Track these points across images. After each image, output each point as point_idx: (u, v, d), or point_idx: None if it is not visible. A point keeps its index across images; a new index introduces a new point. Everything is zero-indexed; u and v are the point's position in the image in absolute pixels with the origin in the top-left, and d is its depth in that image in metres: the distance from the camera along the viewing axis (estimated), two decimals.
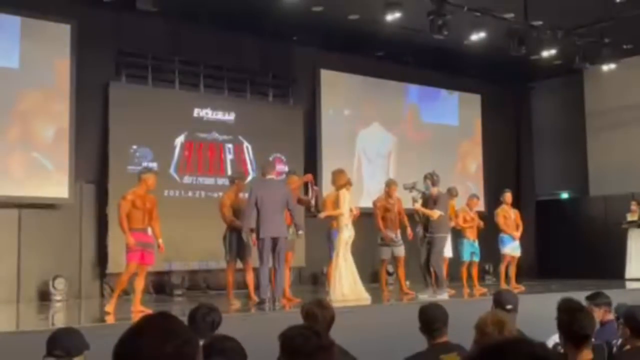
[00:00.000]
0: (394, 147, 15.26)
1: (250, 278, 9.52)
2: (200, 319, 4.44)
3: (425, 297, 9.67)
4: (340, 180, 9.70)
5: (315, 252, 12.52)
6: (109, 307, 8.23)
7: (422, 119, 15.80)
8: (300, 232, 9.67)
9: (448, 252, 11.35)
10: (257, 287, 9.20)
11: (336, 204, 9.61)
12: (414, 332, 4.75)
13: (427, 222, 10.26)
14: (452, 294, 10.49)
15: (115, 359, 1.58)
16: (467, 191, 12.55)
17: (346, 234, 9.52)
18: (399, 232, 11.01)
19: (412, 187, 10.43)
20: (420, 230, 10.54)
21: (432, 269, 10.09)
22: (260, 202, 8.85)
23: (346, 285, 9.33)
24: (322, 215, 9.82)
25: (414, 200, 10.31)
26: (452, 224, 11.32)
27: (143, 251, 8.35)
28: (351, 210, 9.72)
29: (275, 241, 8.89)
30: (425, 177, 10.34)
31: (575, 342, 3.77)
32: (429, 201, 10.23)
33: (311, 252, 12.81)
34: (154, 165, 11.79)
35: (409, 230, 11.05)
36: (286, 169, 13.09)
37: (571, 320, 3.78)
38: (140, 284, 8.48)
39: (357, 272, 9.57)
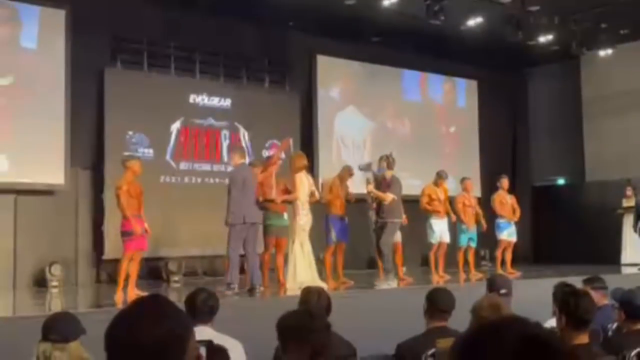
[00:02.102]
0: (388, 133, 15.22)
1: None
2: (201, 303, 4.45)
3: (384, 286, 9.45)
4: (298, 163, 9.45)
5: (311, 239, 12.48)
6: (118, 297, 8.36)
7: (417, 103, 15.77)
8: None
9: (446, 237, 11.36)
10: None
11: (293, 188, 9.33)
12: (409, 317, 4.76)
13: (379, 206, 9.91)
14: (408, 282, 10.31)
15: (107, 340, 1.57)
16: (459, 177, 12.49)
17: (303, 220, 9.22)
18: None
19: (367, 168, 10.12)
20: (372, 214, 10.17)
21: (383, 252, 9.83)
22: (242, 188, 8.73)
23: (302, 273, 9.08)
24: (278, 199, 9.46)
25: (368, 182, 9.99)
26: (440, 209, 11.26)
27: (141, 237, 8.56)
28: (313, 195, 9.43)
29: (248, 227, 8.77)
30: (381, 159, 10.05)
31: (576, 326, 3.79)
32: (382, 184, 9.90)
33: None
34: (149, 151, 11.78)
35: (403, 217, 10.99)
36: (282, 154, 13.08)
37: (576, 305, 3.80)
38: (135, 268, 8.66)
39: (313, 260, 9.34)
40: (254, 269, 8.81)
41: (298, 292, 8.37)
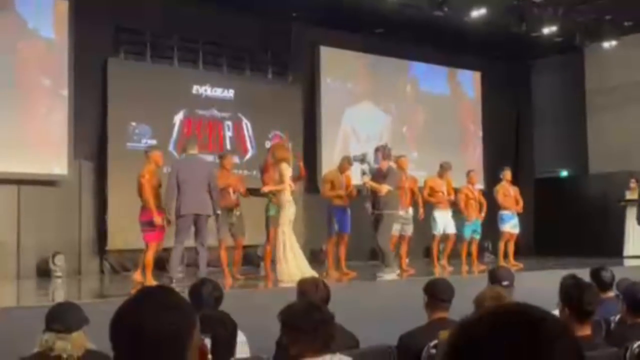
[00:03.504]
0: (392, 124, 15.22)
1: (237, 255, 9.57)
2: (207, 294, 4.47)
3: (385, 277, 9.31)
4: (282, 153, 9.30)
5: (314, 230, 12.51)
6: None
7: (421, 95, 15.75)
8: (218, 211, 8.91)
9: (451, 229, 11.37)
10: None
11: (280, 178, 9.15)
12: (411, 308, 4.76)
13: (375, 198, 9.68)
14: (410, 274, 10.25)
15: (112, 330, 1.58)
16: (463, 168, 12.48)
17: (290, 210, 9.10)
18: (410, 209, 10.90)
19: (361, 159, 9.91)
20: (368, 206, 9.88)
21: (380, 247, 9.64)
22: (182, 180, 8.49)
23: (293, 264, 8.90)
24: (264, 189, 9.32)
25: (363, 173, 9.80)
26: (443, 200, 11.27)
27: (161, 229, 8.65)
28: (290, 186, 9.24)
29: (196, 219, 8.56)
30: (377, 150, 9.85)
31: (579, 318, 3.80)
32: (378, 175, 9.67)
33: (310, 230, 12.80)
34: (153, 142, 11.77)
35: (420, 210, 10.97)
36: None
37: (579, 296, 3.81)
38: (152, 258, 8.75)
39: (300, 251, 9.19)
40: (200, 261, 8.60)
41: (293, 284, 8.44)
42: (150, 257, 8.61)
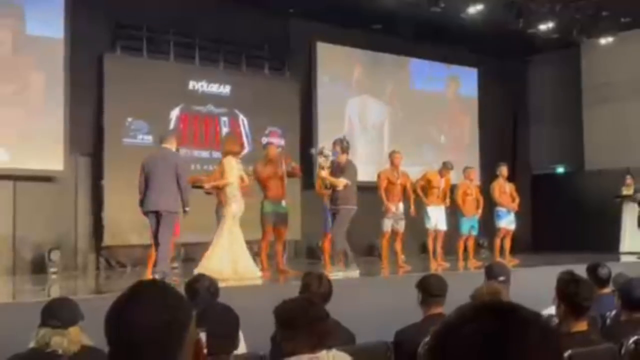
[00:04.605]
0: (388, 120, 15.22)
1: None
2: (204, 289, 4.48)
3: (339, 274, 8.85)
4: (228, 146, 9.00)
5: (310, 225, 12.51)
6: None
7: (418, 91, 15.74)
8: (187, 208, 8.35)
9: (442, 225, 11.36)
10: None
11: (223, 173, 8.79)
12: (408, 304, 4.77)
13: (333, 193, 9.36)
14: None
15: (108, 325, 1.57)
16: (460, 165, 12.48)
17: (234, 207, 8.69)
18: (401, 205, 10.90)
19: (319, 153, 9.68)
20: (327, 201, 9.63)
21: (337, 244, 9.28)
22: (147, 174, 8.21)
23: (215, 263, 8.35)
24: (207, 185, 9.03)
25: (320, 167, 9.52)
26: (445, 199, 11.32)
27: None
28: (242, 180, 8.93)
29: (157, 215, 8.17)
30: (335, 143, 9.55)
31: (576, 313, 3.81)
32: (336, 169, 9.40)
33: (307, 225, 12.81)
34: (149, 137, 11.75)
35: (412, 209, 10.95)
36: (282, 142, 13.08)
37: (576, 292, 3.81)
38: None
39: (246, 248, 8.81)
40: (159, 260, 8.23)
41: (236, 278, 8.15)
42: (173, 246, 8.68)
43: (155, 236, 8.19)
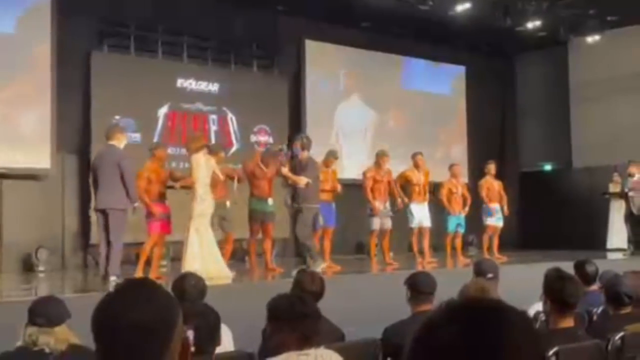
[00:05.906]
0: (377, 118, 15.23)
1: (227, 250, 9.44)
2: (190, 288, 4.47)
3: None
4: (195, 143, 8.84)
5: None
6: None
7: (406, 89, 15.75)
8: (136, 204, 8.32)
9: (427, 222, 11.36)
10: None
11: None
12: (396, 301, 4.77)
13: (294, 191, 9.26)
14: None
15: (94, 324, 1.56)
16: (447, 162, 12.50)
17: (201, 206, 8.47)
18: (387, 203, 10.91)
19: (280, 149, 9.63)
20: (288, 198, 9.51)
21: (301, 242, 9.22)
22: (94, 172, 8.14)
23: (189, 263, 8.18)
24: (177, 185, 8.96)
25: (282, 165, 9.41)
26: (418, 195, 11.26)
27: (166, 220, 8.75)
28: (216, 176, 8.82)
29: (104, 214, 8.10)
30: (295, 140, 9.53)
31: (562, 310, 3.83)
32: (297, 167, 9.29)
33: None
34: (137, 135, 11.71)
35: (399, 202, 10.96)
36: (271, 139, 13.07)
37: (562, 289, 3.83)
38: (159, 252, 8.93)
39: (217, 248, 8.67)
40: (112, 260, 8.20)
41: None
42: (149, 248, 8.69)
43: (107, 236, 8.20)
